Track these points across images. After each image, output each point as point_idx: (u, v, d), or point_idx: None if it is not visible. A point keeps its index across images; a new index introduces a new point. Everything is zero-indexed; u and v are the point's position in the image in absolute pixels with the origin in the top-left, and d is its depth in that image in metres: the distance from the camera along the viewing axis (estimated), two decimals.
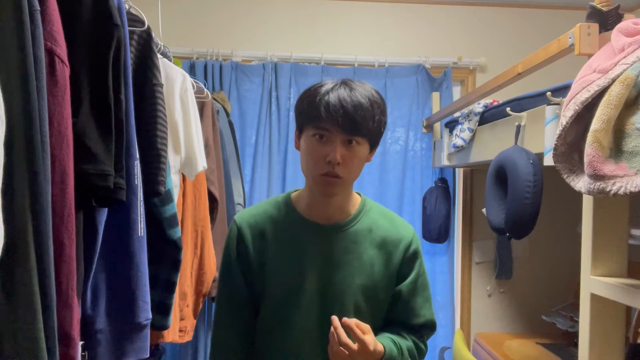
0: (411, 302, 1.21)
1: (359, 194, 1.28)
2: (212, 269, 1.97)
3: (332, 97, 1.06)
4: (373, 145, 1.17)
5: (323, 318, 1.13)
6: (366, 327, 1.08)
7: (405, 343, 1.19)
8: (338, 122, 1.06)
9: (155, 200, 1.39)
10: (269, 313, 1.18)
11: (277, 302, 1.17)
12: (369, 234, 1.20)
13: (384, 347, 1.10)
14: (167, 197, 1.46)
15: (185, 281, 1.82)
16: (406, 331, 1.22)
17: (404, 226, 1.26)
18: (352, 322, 1.06)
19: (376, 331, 1.15)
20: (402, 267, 1.21)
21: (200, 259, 1.93)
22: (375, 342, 1.07)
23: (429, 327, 1.25)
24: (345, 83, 1.10)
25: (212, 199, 2.06)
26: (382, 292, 1.19)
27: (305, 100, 1.12)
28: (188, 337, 1.90)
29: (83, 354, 1.07)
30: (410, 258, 1.22)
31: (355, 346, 1.04)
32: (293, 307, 1.15)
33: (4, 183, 0.64)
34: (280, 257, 1.17)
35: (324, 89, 1.09)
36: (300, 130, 1.15)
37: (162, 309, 1.48)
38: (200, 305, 1.99)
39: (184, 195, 1.82)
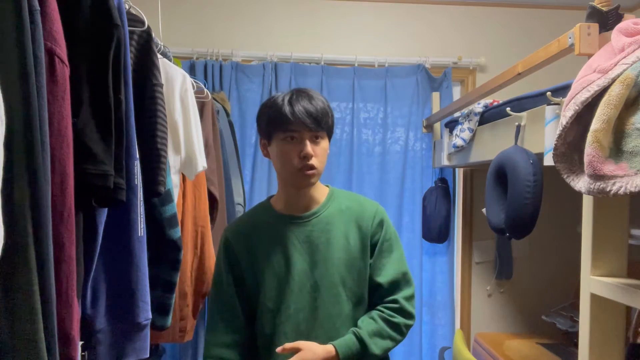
0: (377, 263, 1.37)
1: (327, 186, 1.45)
2: (212, 269, 1.97)
3: (296, 105, 1.27)
4: (330, 138, 1.37)
5: (313, 295, 1.32)
6: (300, 343, 1.26)
7: (372, 327, 1.31)
8: (305, 123, 1.26)
9: (155, 200, 1.39)
10: (268, 301, 1.33)
11: (272, 290, 1.33)
12: (340, 215, 1.37)
13: (334, 346, 1.26)
14: (167, 197, 1.46)
15: (185, 281, 1.82)
16: (379, 299, 1.37)
17: (369, 202, 1.45)
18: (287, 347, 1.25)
19: (364, 300, 1.36)
20: (373, 236, 1.38)
21: (200, 259, 1.93)
22: (312, 349, 1.25)
23: (398, 286, 1.36)
24: (300, 91, 1.31)
25: (213, 199, 2.06)
26: (360, 261, 1.35)
27: (269, 112, 1.32)
28: (188, 337, 1.90)
29: (83, 354, 1.07)
30: (377, 227, 1.39)
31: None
32: (286, 290, 1.32)
33: (3, 183, 0.64)
34: (267, 252, 1.34)
35: (285, 99, 1.29)
36: (268, 138, 1.33)
37: (162, 309, 1.48)
38: (201, 305, 1.99)
39: (184, 195, 1.82)
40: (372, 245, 1.37)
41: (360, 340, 1.29)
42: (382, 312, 1.35)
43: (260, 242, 1.35)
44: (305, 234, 1.34)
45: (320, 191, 1.40)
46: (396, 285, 1.36)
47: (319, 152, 1.30)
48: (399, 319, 1.35)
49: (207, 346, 1.35)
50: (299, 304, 1.31)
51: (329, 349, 1.26)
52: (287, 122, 1.27)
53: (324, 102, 1.31)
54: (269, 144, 1.34)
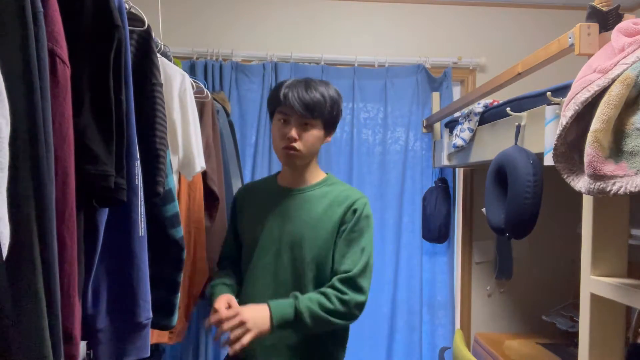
0: (338, 249, 1.46)
1: (327, 173, 1.61)
2: (205, 271, 1.95)
3: (292, 90, 1.41)
4: (328, 128, 1.50)
5: (277, 259, 1.48)
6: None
7: (311, 295, 1.40)
8: (294, 109, 1.40)
9: (157, 199, 1.39)
10: (244, 254, 1.57)
11: (247, 247, 1.56)
12: (321, 198, 1.51)
13: (267, 305, 1.36)
14: (168, 197, 1.45)
15: None
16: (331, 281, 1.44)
17: (356, 192, 1.56)
18: (219, 314, 1.37)
19: (325, 272, 1.47)
20: (342, 220, 1.47)
21: (193, 260, 1.91)
22: (239, 308, 1.38)
23: (347, 281, 1.41)
24: (304, 80, 1.46)
25: (214, 197, 2.05)
26: (325, 243, 1.46)
27: (272, 92, 1.50)
28: (178, 339, 1.89)
29: (88, 352, 1.07)
30: (351, 213, 1.48)
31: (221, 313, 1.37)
32: (256, 249, 1.51)
33: (9, 183, 0.64)
34: (254, 215, 1.56)
35: (286, 84, 1.45)
36: (271, 116, 1.52)
37: (166, 308, 1.48)
38: (192, 307, 1.98)
39: (178, 196, 1.81)
40: (340, 229, 1.47)
41: (296, 307, 1.36)
42: (333, 285, 1.41)
43: (255, 205, 1.58)
44: (287, 205, 1.51)
45: (314, 173, 1.55)
46: (345, 281, 1.42)
47: (306, 137, 1.44)
48: (349, 296, 1.39)
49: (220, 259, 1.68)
50: (263, 263, 1.49)
51: (263, 307, 1.36)
52: (279, 104, 1.43)
53: (324, 95, 1.43)
54: (271, 121, 1.52)
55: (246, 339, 1.31)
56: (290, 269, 1.47)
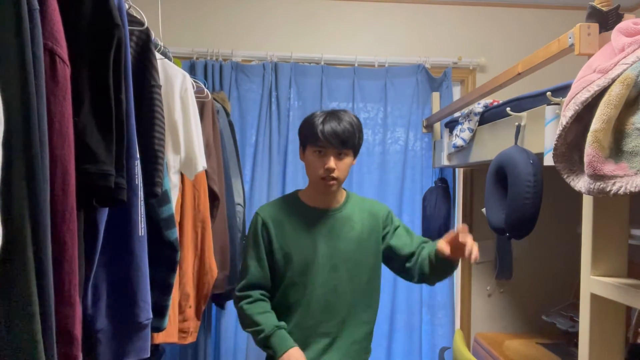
0: (399, 239, 1.68)
1: (344, 189, 1.73)
2: (213, 270, 1.97)
3: (326, 126, 1.53)
4: (355, 154, 1.63)
5: (333, 274, 1.60)
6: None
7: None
8: (332, 142, 1.53)
9: (152, 201, 1.39)
10: (296, 277, 1.60)
11: (299, 268, 1.60)
12: (357, 211, 1.68)
13: None
14: (164, 198, 1.45)
15: (187, 282, 1.81)
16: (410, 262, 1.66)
17: (379, 203, 1.80)
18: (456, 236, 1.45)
19: (375, 280, 1.68)
20: (385, 226, 1.69)
21: (201, 259, 1.92)
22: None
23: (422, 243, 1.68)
24: (333, 113, 1.57)
25: (214, 197, 2.06)
26: (374, 245, 1.66)
27: (306, 127, 1.59)
28: (192, 339, 1.89)
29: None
30: (388, 219, 1.71)
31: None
32: (312, 268, 1.59)
33: (2, 183, 0.64)
34: (297, 236, 1.62)
35: (320, 119, 1.56)
36: (304, 147, 1.62)
37: (158, 310, 1.47)
38: (203, 307, 1.98)
39: (183, 195, 1.81)
40: (384, 232, 1.68)
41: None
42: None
43: (291, 228, 1.62)
44: (330, 225, 1.63)
45: (341, 193, 1.69)
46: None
47: (341, 166, 1.56)
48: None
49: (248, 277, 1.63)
50: (321, 279, 1.58)
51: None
52: (317, 139, 1.53)
53: (352, 124, 1.56)
54: (304, 152, 1.61)
55: None
56: (347, 281, 1.60)
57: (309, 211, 1.65)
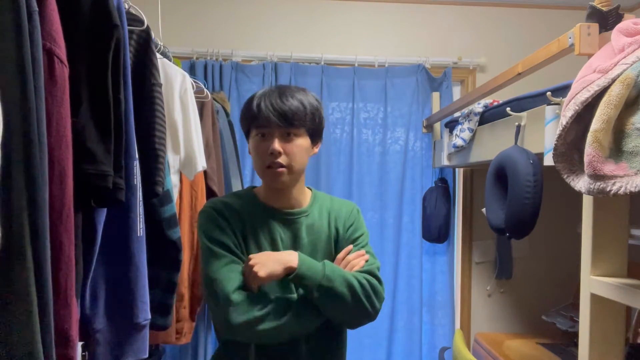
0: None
1: (310, 188, 1.41)
2: None
3: (265, 101, 1.23)
4: (314, 137, 1.30)
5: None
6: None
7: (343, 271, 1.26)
8: (271, 120, 1.21)
9: (155, 200, 1.39)
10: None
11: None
12: (322, 217, 1.35)
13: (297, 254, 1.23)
14: (166, 198, 1.46)
15: (182, 282, 1.81)
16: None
17: (347, 202, 1.43)
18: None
19: None
20: (346, 231, 1.35)
21: (197, 260, 1.92)
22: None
23: (373, 273, 1.30)
24: (277, 87, 1.27)
25: (214, 196, 2.06)
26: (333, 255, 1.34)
27: (244, 107, 1.29)
28: (186, 340, 1.89)
29: (83, 354, 1.06)
30: (350, 224, 1.37)
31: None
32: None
33: (1, 183, 0.64)
34: (257, 239, 1.28)
35: (258, 95, 1.26)
36: (247, 135, 1.30)
37: (162, 309, 1.48)
38: (198, 308, 1.98)
39: (180, 195, 1.82)
40: (344, 239, 1.34)
41: (323, 264, 1.23)
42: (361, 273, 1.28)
43: (250, 224, 1.28)
44: (292, 232, 1.30)
45: (304, 193, 1.36)
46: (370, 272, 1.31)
47: (292, 149, 1.23)
48: (376, 285, 1.27)
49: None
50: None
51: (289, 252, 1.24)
52: (255, 118, 1.23)
53: (302, 103, 1.25)
54: (248, 140, 1.30)
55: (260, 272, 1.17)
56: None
57: (267, 211, 1.30)
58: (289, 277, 1.20)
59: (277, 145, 1.21)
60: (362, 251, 1.31)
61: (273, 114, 1.21)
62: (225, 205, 1.28)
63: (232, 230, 1.25)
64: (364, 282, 1.24)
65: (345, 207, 1.40)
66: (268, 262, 1.19)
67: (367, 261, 1.31)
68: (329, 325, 1.29)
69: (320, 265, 1.23)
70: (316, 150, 1.34)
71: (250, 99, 1.27)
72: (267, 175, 1.26)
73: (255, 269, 1.17)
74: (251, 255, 1.20)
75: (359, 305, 1.23)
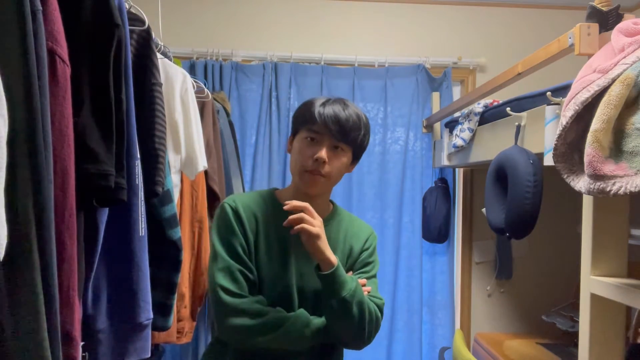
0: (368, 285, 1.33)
1: (332, 202, 1.41)
2: None
3: (327, 108, 1.25)
4: (355, 157, 1.33)
5: (300, 300, 1.27)
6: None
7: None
8: (328, 128, 1.23)
9: (155, 200, 1.39)
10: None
11: (263, 282, 1.26)
12: (340, 233, 1.35)
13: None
14: (167, 198, 1.46)
15: (182, 282, 1.82)
16: None
17: (365, 225, 1.43)
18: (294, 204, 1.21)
19: None
20: (359, 256, 1.35)
21: (197, 259, 1.92)
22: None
23: (382, 310, 1.32)
24: (340, 99, 1.29)
25: (214, 197, 2.06)
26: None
27: (302, 108, 1.31)
28: (187, 339, 1.89)
29: (83, 354, 1.06)
30: (365, 250, 1.36)
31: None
32: (274, 289, 1.26)
33: (7, 182, 0.64)
34: (269, 245, 1.27)
35: (320, 101, 1.28)
36: (294, 134, 1.32)
37: (163, 309, 1.48)
38: (199, 307, 1.98)
39: (181, 195, 1.82)
40: (355, 263, 1.35)
41: (353, 280, 1.24)
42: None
43: (263, 230, 1.27)
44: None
45: (327, 205, 1.38)
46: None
47: (334, 161, 1.25)
48: (380, 321, 1.29)
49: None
50: (283, 305, 1.24)
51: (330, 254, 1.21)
52: (312, 122, 1.25)
53: (358, 116, 1.27)
54: (293, 139, 1.32)
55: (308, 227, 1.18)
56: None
57: (287, 216, 1.22)
58: (323, 271, 1.19)
59: (324, 153, 1.23)
60: (364, 281, 1.30)
61: (333, 123, 1.23)
62: (244, 206, 1.28)
63: (244, 232, 1.25)
64: (375, 314, 1.26)
65: (364, 228, 1.40)
66: (322, 233, 1.20)
67: (369, 292, 1.29)
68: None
69: (350, 279, 1.23)
70: (351, 169, 1.36)
71: (312, 102, 1.29)
72: (304, 178, 1.27)
73: (309, 221, 1.18)
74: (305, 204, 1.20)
75: (361, 331, 1.24)
